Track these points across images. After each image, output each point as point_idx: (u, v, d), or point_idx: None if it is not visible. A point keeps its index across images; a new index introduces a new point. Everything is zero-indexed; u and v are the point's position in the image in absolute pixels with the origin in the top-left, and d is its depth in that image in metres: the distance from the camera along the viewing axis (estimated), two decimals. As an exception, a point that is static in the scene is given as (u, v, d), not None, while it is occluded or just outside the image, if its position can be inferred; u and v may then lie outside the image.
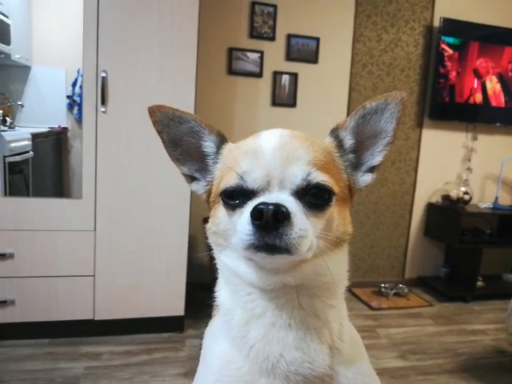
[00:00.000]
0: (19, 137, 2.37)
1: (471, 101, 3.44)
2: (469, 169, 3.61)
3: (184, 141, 0.50)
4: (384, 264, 3.59)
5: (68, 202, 2.28)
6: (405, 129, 3.41)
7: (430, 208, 3.59)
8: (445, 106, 3.40)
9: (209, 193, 0.51)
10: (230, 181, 0.45)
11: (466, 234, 3.41)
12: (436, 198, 3.61)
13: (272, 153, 0.43)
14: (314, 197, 0.44)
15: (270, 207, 0.39)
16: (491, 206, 3.56)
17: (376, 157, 0.51)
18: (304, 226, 0.41)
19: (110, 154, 2.22)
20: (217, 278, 0.53)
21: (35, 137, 2.43)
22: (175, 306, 2.43)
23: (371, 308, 3.09)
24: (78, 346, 2.31)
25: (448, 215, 3.42)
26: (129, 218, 2.30)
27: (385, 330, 2.77)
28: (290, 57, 3.08)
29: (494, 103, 3.50)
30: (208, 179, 0.51)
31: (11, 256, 2.20)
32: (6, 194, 2.19)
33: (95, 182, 2.22)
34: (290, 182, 0.43)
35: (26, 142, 2.41)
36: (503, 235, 3.65)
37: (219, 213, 0.47)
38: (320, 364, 0.47)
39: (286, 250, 0.40)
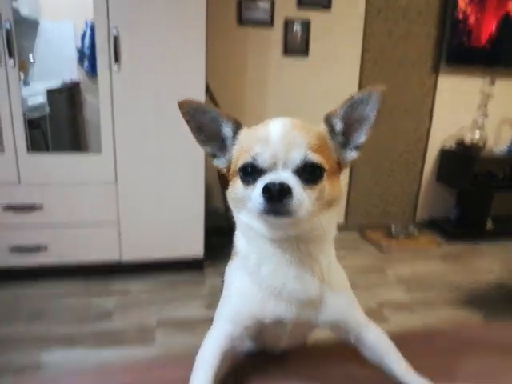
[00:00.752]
0: (35, 93, 2.44)
1: (490, 44, 3.32)
2: (485, 114, 3.55)
3: (207, 127, 0.62)
4: (395, 210, 3.69)
5: (89, 157, 2.41)
6: (421, 74, 3.34)
7: (444, 154, 3.61)
8: (463, 50, 3.30)
9: (228, 168, 0.64)
10: (245, 160, 0.57)
11: (478, 178, 3.44)
12: (450, 144, 3.61)
13: (277, 140, 0.56)
14: (309, 174, 0.56)
15: (276, 186, 0.52)
16: (505, 150, 3.54)
17: (361, 137, 0.61)
18: (301, 196, 0.54)
19: (125, 110, 2.30)
20: (231, 225, 0.68)
21: (49, 92, 2.49)
22: (195, 248, 2.62)
23: (381, 249, 3.24)
24: (108, 284, 2.53)
25: (461, 160, 3.44)
26: (147, 169, 2.42)
27: (393, 270, 2.93)
28: (301, 3, 2.99)
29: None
30: (227, 158, 0.63)
31: (40, 207, 2.37)
32: (29, 151, 2.30)
33: (113, 137, 2.33)
34: (291, 163, 0.55)
35: (42, 98, 2.48)
36: (516, 179, 3.66)
37: (237, 184, 0.60)
38: (312, 291, 0.61)
39: (288, 214, 0.54)
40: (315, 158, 0.55)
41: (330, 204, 0.58)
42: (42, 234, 2.42)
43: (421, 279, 2.80)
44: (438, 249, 3.33)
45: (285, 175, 0.54)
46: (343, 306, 0.63)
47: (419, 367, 0.61)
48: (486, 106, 3.50)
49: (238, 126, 0.62)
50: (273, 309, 0.60)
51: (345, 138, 0.62)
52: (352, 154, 0.62)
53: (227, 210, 0.65)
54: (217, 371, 0.57)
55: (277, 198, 0.51)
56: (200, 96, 2.29)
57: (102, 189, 2.42)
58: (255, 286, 0.61)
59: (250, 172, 0.56)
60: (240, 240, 0.64)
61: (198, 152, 2.40)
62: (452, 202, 3.77)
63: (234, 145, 0.62)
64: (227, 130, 0.63)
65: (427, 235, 3.55)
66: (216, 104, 2.65)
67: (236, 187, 0.59)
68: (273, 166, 0.55)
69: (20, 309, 2.24)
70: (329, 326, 0.64)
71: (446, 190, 3.73)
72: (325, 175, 0.56)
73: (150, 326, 2.14)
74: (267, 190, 0.52)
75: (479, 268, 3.04)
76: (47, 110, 2.51)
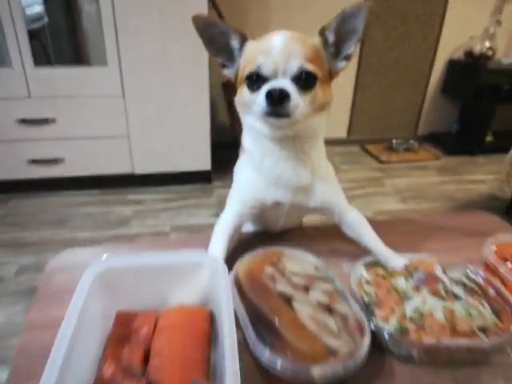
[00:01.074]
0: (31, 1, 2.36)
1: None
2: (498, 21, 3.41)
3: (217, 40, 0.70)
4: (398, 122, 3.74)
5: (95, 70, 2.43)
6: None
7: (451, 64, 3.54)
8: None
9: (235, 77, 0.73)
10: (251, 69, 0.67)
11: (483, 90, 3.43)
12: (458, 55, 3.53)
13: (278, 52, 0.64)
14: (304, 81, 0.65)
15: (277, 91, 0.62)
16: (515, 60, 3.47)
17: (350, 48, 0.70)
18: (297, 100, 0.64)
19: (128, 22, 2.27)
20: (236, 140, 0.79)
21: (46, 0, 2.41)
22: (203, 161, 2.75)
23: (381, 162, 3.37)
24: (124, 195, 2.72)
25: (468, 71, 3.39)
26: (154, 83, 2.45)
27: (391, 180, 3.09)
28: None
29: None
30: (235, 67, 0.72)
31: (53, 121, 2.46)
32: (36, 64, 2.33)
33: (118, 50, 2.33)
34: (289, 72, 0.65)
35: (39, 7, 2.40)
36: (523, 92, 3.63)
37: (244, 91, 0.70)
38: (304, 180, 0.76)
39: (287, 115, 0.64)
40: (310, 67, 0.64)
41: (321, 108, 0.69)
42: (58, 147, 2.55)
43: (416, 190, 2.96)
44: (436, 162, 3.45)
45: (284, 82, 0.64)
46: (329, 193, 0.77)
47: (389, 243, 0.76)
48: (500, 12, 3.36)
49: (244, 39, 0.70)
50: (273, 193, 0.75)
51: (336, 50, 0.70)
52: (342, 64, 0.70)
53: (232, 125, 0.76)
54: (229, 240, 0.73)
55: (277, 102, 0.62)
56: (203, 8, 2.25)
57: (110, 102, 2.48)
58: (259, 176, 0.75)
59: (255, 80, 0.66)
60: (246, 140, 0.77)
61: (203, 68, 2.43)
62: (454, 117, 3.79)
63: (240, 56, 0.71)
64: (235, 43, 0.71)
65: (427, 149, 3.64)
66: (221, 16, 2.59)
67: (243, 93, 0.69)
68: (274, 75, 0.65)
69: (44, 216, 2.46)
70: (318, 209, 0.79)
71: (449, 104, 3.73)
72: (318, 83, 0.66)
73: (164, 231, 2.36)
74: (269, 95, 0.62)
75: (474, 180, 3.18)
76: (46, 19, 2.44)
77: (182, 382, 0.47)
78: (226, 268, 0.57)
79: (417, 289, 0.60)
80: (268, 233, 0.85)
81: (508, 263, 0.68)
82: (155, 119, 2.57)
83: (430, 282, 0.62)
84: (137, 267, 0.57)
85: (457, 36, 3.44)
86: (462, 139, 3.68)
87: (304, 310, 0.55)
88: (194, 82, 2.49)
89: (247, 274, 0.61)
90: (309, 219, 0.95)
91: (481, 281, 0.64)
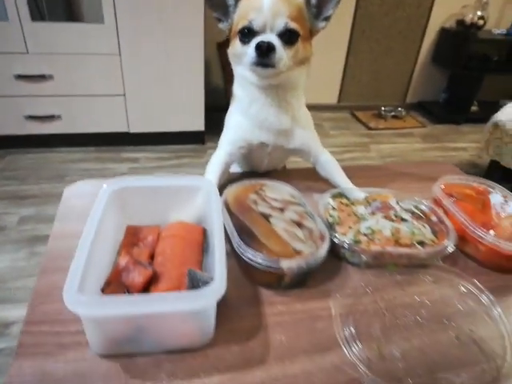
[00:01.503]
0: None
1: None
2: (492, -11, 3.45)
3: None
4: (387, 90, 3.83)
5: (92, 27, 2.46)
6: None
7: (443, 33, 3.60)
8: None
9: (229, 30, 0.83)
10: (243, 24, 0.77)
11: (472, 60, 3.51)
12: (450, 23, 3.58)
13: (267, 9, 0.74)
14: (288, 37, 0.76)
15: (265, 44, 0.73)
16: (505, 31, 3.54)
17: (329, 10, 0.80)
18: (282, 53, 0.75)
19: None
20: (229, 102, 0.90)
21: None
22: (197, 122, 2.84)
23: (368, 128, 3.48)
24: (119, 152, 2.82)
25: (458, 41, 3.46)
26: (150, 43, 2.50)
27: (376, 146, 3.21)
28: None
29: None
30: (229, 22, 0.82)
31: (51, 77, 2.51)
32: (33, 19, 2.35)
33: (114, 7, 2.36)
34: (276, 28, 0.75)
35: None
36: (511, 63, 3.72)
37: (236, 43, 0.80)
38: (285, 124, 0.87)
39: (272, 66, 0.75)
40: (293, 25, 0.75)
41: (302, 62, 0.80)
42: (55, 104, 2.61)
43: (400, 156, 3.10)
44: (422, 129, 3.57)
45: (271, 37, 0.75)
46: (307, 137, 0.90)
47: (356, 184, 0.90)
48: (494, -20, 3.39)
49: None
50: (258, 135, 0.87)
51: (317, 11, 0.80)
52: (322, 24, 0.81)
53: (226, 87, 0.87)
54: (221, 175, 0.86)
55: (265, 53, 0.73)
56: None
57: (106, 60, 2.53)
58: (246, 119, 0.87)
59: (247, 33, 0.77)
60: (237, 88, 0.88)
61: (198, 30, 2.47)
62: (443, 86, 3.88)
63: (235, 12, 0.81)
64: (230, 0, 0.81)
65: (414, 117, 3.76)
66: None
67: (235, 45, 0.80)
68: (263, 30, 0.75)
69: (42, 172, 2.55)
70: (296, 151, 0.92)
71: (439, 73, 3.82)
72: (299, 39, 0.77)
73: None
74: (258, 47, 0.73)
75: (456, 148, 3.32)
76: None
77: (179, 273, 0.60)
78: (217, 191, 0.70)
79: (372, 214, 0.74)
80: (254, 173, 0.98)
81: (451, 198, 0.82)
82: (151, 79, 2.63)
83: (384, 209, 0.75)
84: (144, 187, 0.70)
85: (450, 4, 3.49)
86: (448, 108, 3.79)
87: (279, 224, 0.68)
88: (190, 44, 2.54)
89: (234, 198, 0.74)
90: (290, 165, 1.08)
91: (426, 210, 0.78)
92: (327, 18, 0.81)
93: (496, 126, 2.59)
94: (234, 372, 0.54)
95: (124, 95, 2.66)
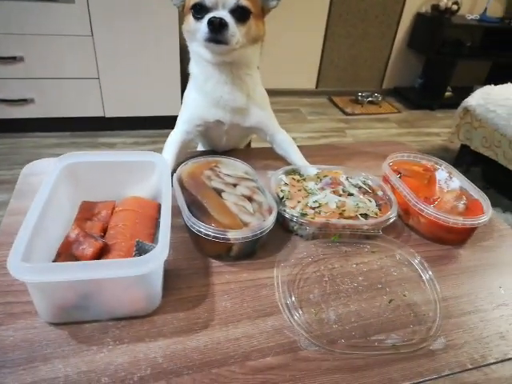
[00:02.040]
0: None
1: None
2: (466, -25, 3.49)
3: None
4: (365, 74, 3.86)
5: (62, 6, 2.39)
6: None
7: (418, 18, 3.64)
8: None
9: (182, 7, 0.84)
10: (196, 1, 0.77)
11: (445, 45, 3.56)
12: (426, 8, 3.62)
13: None
14: (240, 14, 0.77)
15: (217, 20, 0.73)
16: (478, 17, 3.60)
17: None
18: (234, 30, 0.76)
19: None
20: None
21: None
22: (173, 106, 2.82)
23: (345, 113, 3.52)
24: (95, 137, 2.79)
25: (432, 26, 3.50)
26: (123, 24, 2.46)
27: (352, 131, 3.26)
28: None
29: None
30: None
31: (22, 59, 2.46)
32: (0, -3, 2.29)
33: (85, -15, 2.31)
34: (227, 5, 0.76)
35: None
36: (484, 48, 3.79)
37: (189, 19, 0.81)
38: (240, 102, 0.89)
39: (225, 42, 0.76)
40: (245, 2, 0.76)
41: (255, 40, 0.82)
42: (27, 87, 2.55)
43: (375, 140, 3.15)
44: (397, 115, 3.63)
45: (223, 13, 0.76)
46: (263, 116, 0.92)
47: (313, 162, 0.93)
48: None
49: None
50: (214, 113, 0.89)
51: None
52: (273, 3, 0.83)
53: None
54: (178, 152, 0.88)
55: (217, 29, 0.74)
56: None
57: (78, 42, 2.47)
58: (202, 97, 0.88)
59: (199, 10, 0.77)
60: (192, 66, 0.89)
61: (173, 11, 2.44)
62: (419, 72, 3.94)
63: None
64: None
65: (390, 102, 3.81)
66: None
67: (189, 22, 0.81)
68: (215, 6, 0.76)
69: (16, 157, 2.51)
70: (253, 129, 0.94)
71: (415, 58, 3.86)
72: (251, 17, 0.78)
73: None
74: (211, 23, 0.74)
75: (430, 133, 3.39)
76: None
77: (130, 244, 0.63)
78: (169, 167, 0.72)
79: (322, 189, 0.77)
80: (214, 152, 1.00)
81: (399, 174, 0.85)
82: (125, 62, 2.60)
83: (333, 184, 0.78)
84: (98, 162, 0.71)
85: (426, -11, 3.51)
86: (423, 94, 3.85)
87: (230, 198, 0.71)
88: (165, 26, 2.51)
89: (188, 174, 0.76)
90: (255, 145, 1.10)
91: (374, 185, 0.82)
92: None
93: (466, 110, 2.65)
94: (179, 336, 0.57)
95: (98, 78, 2.62)
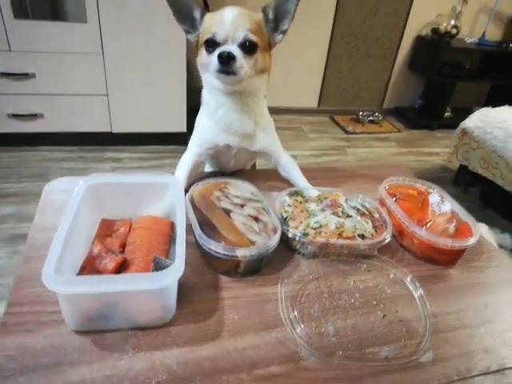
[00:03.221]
0: None
1: None
2: (465, 1, 3.61)
3: (183, 11, 0.88)
4: (366, 94, 3.96)
5: (75, 26, 2.50)
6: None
7: (418, 41, 3.75)
8: None
9: (196, 42, 0.91)
10: (208, 36, 0.85)
11: (445, 67, 3.67)
12: (426, 31, 3.73)
13: (229, 23, 0.83)
14: (248, 48, 0.84)
15: (226, 53, 0.81)
16: (477, 41, 3.71)
17: (285, 25, 0.89)
18: (242, 62, 0.83)
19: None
20: None
21: None
22: (179, 123, 2.91)
23: (346, 132, 3.60)
24: (102, 152, 2.87)
25: (432, 49, 3.61)
26: (133, 43, 2.56)
27: (353, 150, 3.33)
28: None
29: None
30: (196, 34, 0.90)
31: (33, 75, 2.55)
32: (16, 17, 2.39)
33: (97, 7, 2.41)
34: (237, 40, 0.83)
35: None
36: (482, 71, 3.90)
37: (202, 53, 0.88)
38: (248, 128, 0.96)
39: (233, 73, 0.83)
40: (252, 37, 0.84)
41: (262, 71, 0.90)
42: (38, 102, 2.65)
43: (375, 159, 3.22)
44: (397, 134, 3.71)
45: (232, 47, 0.83)
46: (268, 141, 0.99)
47: (314, 184, 0.99)
48: (467, -9, 3.55)
49: (203, 12, 0.89)
50: (224, 138, 0.96)
51: (275, 25, 0.89)
52: (279, 37, 0.90)
53: None
54: (189, 173, 0.95)
55: (226, 62, 0.81)
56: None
57: (89, 60, 2.58)
58: (213, 123, 0.95)
59: (211, 44, 0.85)
60: (205, 94, 0.97)
61: (181, 33, 2.53)
62: (419, 90, 4.04)
63: (200, 25, 0.89)
64: (197, 14, 0.89)
65: (390, 122, 3.90)
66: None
67: (202, 55, 0.88)
68: (225, 41, 0.84)
69: (24, 170, 2.58)
70: (259, 153, 1.01)
71: (415, 79, 3.97)
72: (258, 50, 0.86)
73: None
74: (221, 56, 0.81)
75: (430, 152, 3.47)
76: None
77: (147, 259, 0.69)
78: (183, 188, 0.78)
79: (322, 210, 0.84)
80: (224, 173, 1.07)
81: (394, 197, 0.92)
82: (134, 79, 2.69)
83: (333, 206, 0.85)
84: (118, 184, 0.78)
85: (425, 13, 3.64)
86: (423, 114, 3.94)
87: (238, 218, 0.77)
88: (172, 46, 2.61)
89: (199, 195, 0.82)
90: (259, 166, 1.17)
91: (371, 207, 0.88)
92: (284, 32, 0.90)
93: (464, 132, 2.73)
94: (192, 346, 0.62)
95: (107, 95, 2.72)
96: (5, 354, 0.58)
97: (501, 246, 2.29)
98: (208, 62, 0.86)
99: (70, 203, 0.70)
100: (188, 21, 0.90)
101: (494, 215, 2.64)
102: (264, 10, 0.87)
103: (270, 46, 0.90)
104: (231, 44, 0.83)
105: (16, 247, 1.95)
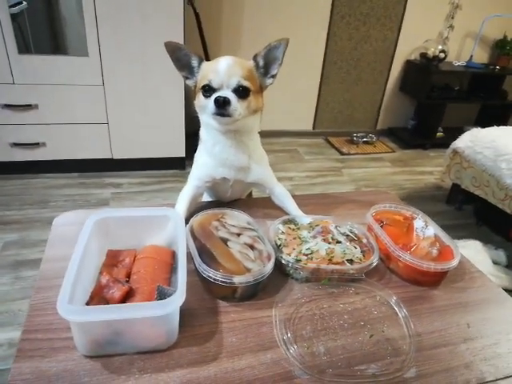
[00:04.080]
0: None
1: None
2: (451, 26, 3.77)
3: (182, 59, 0.96)
4: (359, 116, 4.08)
5: (77, 59, 2.61)
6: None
7: (408, 65, 3.89)
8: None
9: (195, 86, 1.00)
10: (204, 83, 0.93)
11: (435, 90, 3.79)
12: (415, 56, 3.88)
13: (223, 71, 0.91)
14: (241, 92, 0.92)
15: (222, 98, 0.89)
16: (465, 63, 3.85)
17: (274, 70, 0.98)
18: (236, 105, 0.91)
19: (108, 18, 2.48)
20: None
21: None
22: (178, 148, 3.00)
23: (341, 153, 3.69)
24: (102, 178, 2.94)
25: (422, 72, 3.75)
26: (132, 73, 2.67)
27: (348, 170, 3.42)
28: None
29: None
30: (194, 79, 0.99)
31: (36, 106, 2.65)
32: (20, 52, 2.49)
33: (98, 42, 2.53)
34: (231, 85, 0.92)
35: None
36: (471, 92, 4.03)
37: (200, 97, 0.96)
38: (243, 162, 1.04)
39: (228, 115, 0.91)
40: (245, 83, 0.92)
41: (255, 111, 0.97)
42: (40, 132, 2.74)
43: (370, 180, 3.30)
44: (391, 154, 3.81)
45: (227, 92, 0.91)
46: (262, 172, 1.07)
47: (307, 210, 1.06)
48: (453, 17, 3.71)
49: (201, 60, 0.98)
50: (221, 172, 1.03)
51: (265, 70, 0.98)
52: (269, 81, 0.99)
53: None
54: (189, 205, 1.02)
55: (222, 106, 0.89)
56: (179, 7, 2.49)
57: (90, 91, 2.68)
58: (211, 159, 1.03)
59: (208, 89, 0.93)
60: (203, 132, 1.05)
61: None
62: (411, 112, 4.16)
63: (198, 72, 0.98)
64: (194, 62, 0.98)
65: (384, 142, 4.00)
66: (203, 39, 2.85)
67: (199, 99, 0.97)
68: (220, 87, 0.92)
69: (26, 197, 2.64)
70: (254, 184, 1.08)
71: (406, 101, 4.09)
72: (251, 93, 0.94)
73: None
74: (217, 101, 0.89)
75: (423, 171, 3.55)
76: (25, 4, 2.51)
77: (151, 288, 0.74)
78: (183, 220, 0.85)
79: (314, 237, 0.90)
80: (221, 202, 1.14)
81: (381, 223, 0.98)
82: (133, 108, 2.79)
83: (324, 233, 0.91)
84: (123, 217, 0.84)
85: (413, 39, 3.79)
86: (416, 134, 4.05)
87: (235, 247, 0.83)
88: (170, 74, 2.70)
89: (199, 225, 0.88)
90: (255, 194, 1.24)
91: (359, 233, 0.94)
92: (273, 76, 0.98)
93: (455, 152, 2.81)
94: (193, 367, 0.67)
95: (107, 123, 2.81)
96: (21, 378, 0.63)
97: (495, 263, 2.34)
98: (205, 105, 0.93)
99: (81, 236, 0.76)
100: (187, 68, 0.98)
101: (488, 232, 2.70)
102: (255, 58, 0.96)
103: (261, 88, 0.98)
104: (226, 89, 0.91)
105: (19, 273, 1.99)
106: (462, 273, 0.95)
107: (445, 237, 0.94)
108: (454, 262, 0.85)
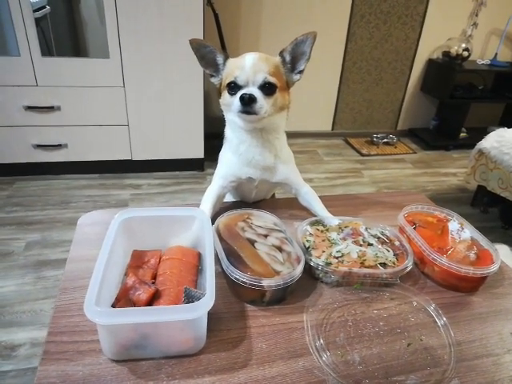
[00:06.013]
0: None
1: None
2: (475, 24, 3.67)
3: (207, 57, 0.94)
4: (379, 117, 4.00)
5: (98, 62, 2.64)
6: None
7: (430, 64, 3.80)
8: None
9: (220, 84, 0.97)
10: (230, 80, 0.91)
11: (458, 89, 3.70)
12: (437, 55, 3.79)
13: (249, 68, 0.89)
14: (267, 89, 0.90)
15: (247, 96, 0.86)
16: (489, 62, 3.74)
17: (301, 66, 0.95)
18: (262, 102, 0.89)
19: (129, 20, 2.49)
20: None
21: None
22: (197, 149, 3.00)
23: (361, 154, 3.63)
24: (122, 179, 2.96)
25: (444, 71, 3.66)
26: (152, 75, 2.68)
27: (369, 172, 3.35)
28: None
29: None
30: (220, 77, 0.96)
31: (58, 108, 2.68)
32: (43, 54, 2.53)
33: (119, 44, 2.54)
34: (257, 82, 0.89)
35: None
36: (496, 91, 3.91)
37: (225, 95, 0.94)
38: (269, 161, 1.01)
39: (254, 113, 0.89)
40: (271, 79, 0.89)
41: (281, 109, 0.95)
42: (62, 133, 2.77)
43: (391, 181, 3.23)
44: (412, 156, 3.72)
45: (253, 89, 0.89)
46: (288, 172, 1.03)
47: (336, 212, 1.02)
48: (477, 15, 3.61)
49: (226, 57, 0.95)
50: (246, 171, 1.01)
51: (291, 66, 0.95)
52: (296, 77, 0.96)
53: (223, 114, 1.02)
54: (214, 205, 0.99)
55: (247, 103, 0.87)
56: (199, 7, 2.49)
57: (111, 92, 2.70)
58: (236, 158, 1.00)
59: (233, 87, 0.91)
60: (228, 131, 1.02)
61: (197, 62, 2.64)
62: (432, 112, 4.06)
63: (223, 69, 0.96)
64: (219, 59, 0.96)
65: (405, 143, 3.92)
66: (222, 38, 2.85)
67: (225, 96, 0.94)
68: (246, 84, 0.90)
69: (48, 198, 2.67)
70: (279, 184, 1.05)
71: (428, 101, 4.00)
72: (277, 90, 0.91)
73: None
74: (242, 98, 0.87)
75: (446, 173, 3.46)
76: (48, 8, 2.54)
77: (177, 290, 0.72)
78: (210, 220, 0.82)
79: (344, 239, 0.86)
80: (246, 202, 1.11)
81: (413, 225, 0.94)
82: (153, 109, 2.80)
83: (354, 235, 0.87)
84: (148, 217, 0.82)
85: (436, 37, 3.70)
86: (438, 135, 3.95)
87: (262, 248, 0.80)
88: (190, 76, 2.72)
89: (225, 226, 0.86)
90: (279, 195, 1.21)
91: (391, 235, 0.90)
92: (301, 72, 0.95)
93: (481, 153, 2.73)
94: (222, 374, 0.65)
95: (127, 125, 2.82)
96: (48, 382, 0.61)
97: (524, 268, 2.25)
98: (231, 103, 0.91)
99: (106, 237, 0.74)
100: (212, 66, 0.96)
101: (515, 235, 2.61)
102: (281, 54, 0.93)
103: (288, 85, 0.96)
104: (252, 86, 0.89)
105: (40, 273, 2.01)
106: (501, 278, 0.90)
107: (483, 240, 0.89)
108: (495, 267, 0.81)
